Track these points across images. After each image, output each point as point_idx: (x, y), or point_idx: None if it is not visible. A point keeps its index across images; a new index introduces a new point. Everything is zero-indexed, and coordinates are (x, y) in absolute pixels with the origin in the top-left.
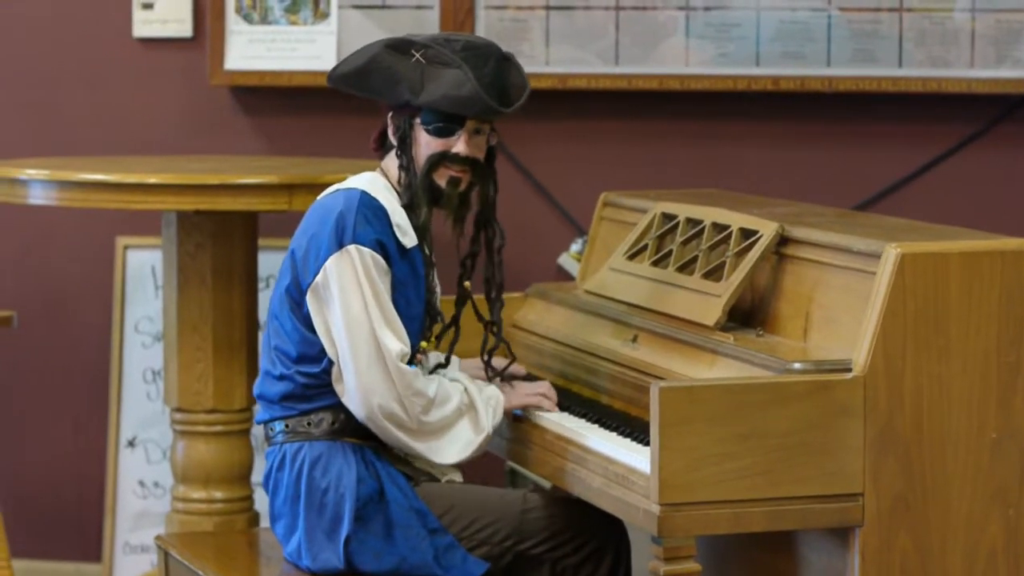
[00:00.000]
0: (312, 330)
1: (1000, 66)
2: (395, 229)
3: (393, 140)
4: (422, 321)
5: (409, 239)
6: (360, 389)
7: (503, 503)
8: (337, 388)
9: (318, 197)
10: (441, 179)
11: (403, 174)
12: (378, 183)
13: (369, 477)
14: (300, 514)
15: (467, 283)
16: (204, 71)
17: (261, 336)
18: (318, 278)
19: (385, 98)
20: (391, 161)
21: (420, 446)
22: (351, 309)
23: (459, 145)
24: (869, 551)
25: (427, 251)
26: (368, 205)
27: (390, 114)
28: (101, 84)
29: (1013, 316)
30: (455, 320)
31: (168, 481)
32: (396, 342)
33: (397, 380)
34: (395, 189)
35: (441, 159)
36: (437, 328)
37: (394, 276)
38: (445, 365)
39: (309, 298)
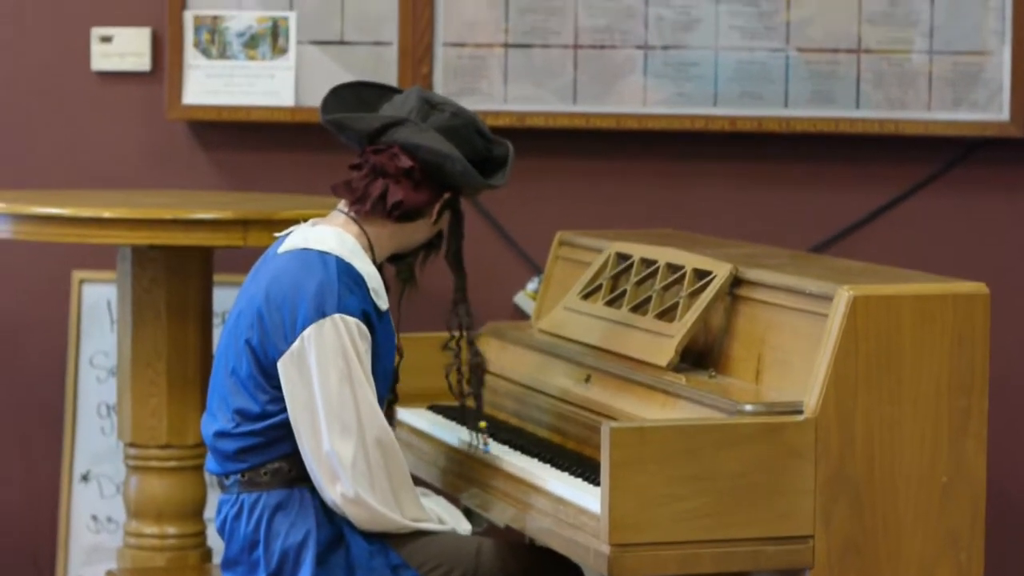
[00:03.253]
0: (277, 388)
1: (957, 109)
2: (372, 294)
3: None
4: (391, 376)
5: (383, 301)
6: (325, 472)
7: (458, 548)
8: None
9: (279, 254)
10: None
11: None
12: (347, 244)
13: (328, 522)
14: (259, 561)
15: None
16: (162, 105)
17: None
18: (294, 346)
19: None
20: (376, 224)
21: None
22: (329, 382)
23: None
24: None
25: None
26: (348, 273)
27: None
28: (59, 117)
29: (965, 360)
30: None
31: (121, 516)
32: (376, 425)
33: (374, 462)
34: (365, 250)
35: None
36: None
37: (375, 341)
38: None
39: (282, 364)
